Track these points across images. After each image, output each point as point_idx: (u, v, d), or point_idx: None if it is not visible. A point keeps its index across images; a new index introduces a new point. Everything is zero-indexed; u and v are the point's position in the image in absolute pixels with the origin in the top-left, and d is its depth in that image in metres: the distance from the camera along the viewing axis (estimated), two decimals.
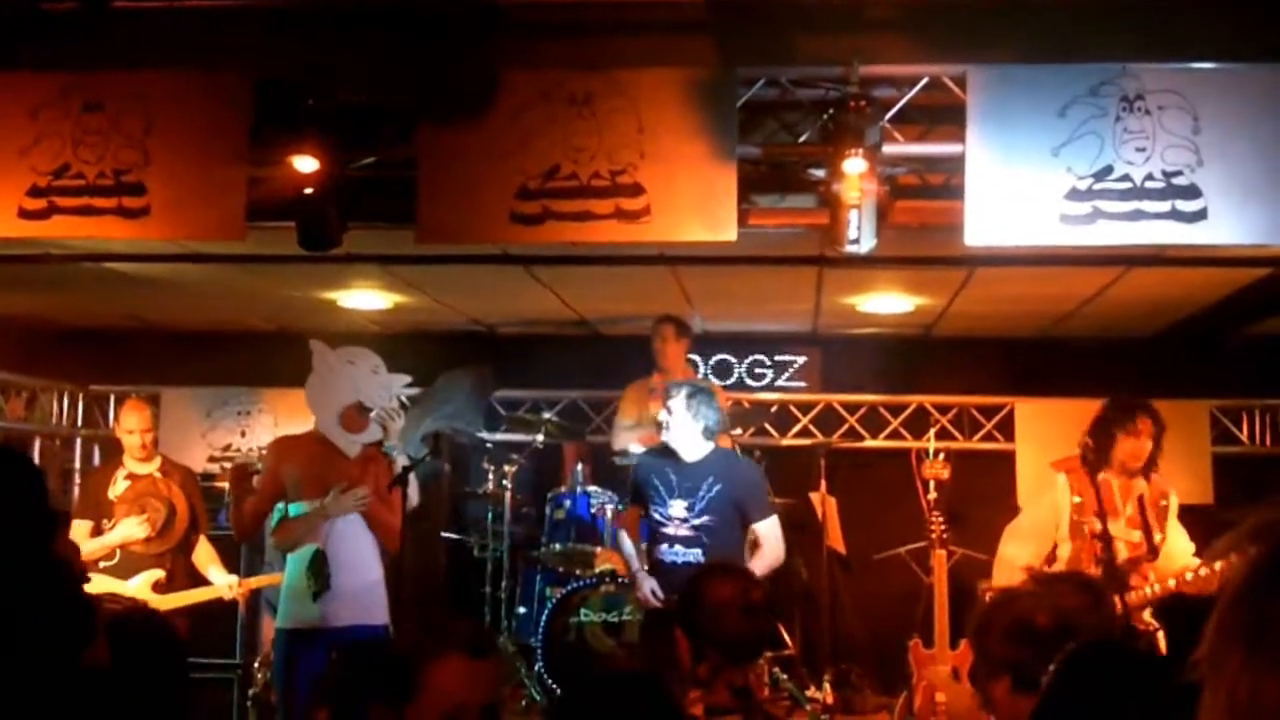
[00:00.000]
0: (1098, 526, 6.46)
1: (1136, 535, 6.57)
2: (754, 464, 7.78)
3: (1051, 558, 6.73)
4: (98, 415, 11.09)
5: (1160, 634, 6.56)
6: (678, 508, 6.95)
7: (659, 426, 7.14)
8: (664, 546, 7.02)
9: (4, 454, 2.69)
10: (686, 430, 6.95)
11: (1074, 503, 6.63)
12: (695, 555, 6.89)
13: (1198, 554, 6.68)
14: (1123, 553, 6.55)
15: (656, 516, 7.04)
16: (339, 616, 6.62)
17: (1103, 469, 6.64)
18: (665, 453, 7.08)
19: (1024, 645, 3.41)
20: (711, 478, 6.94)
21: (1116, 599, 6.34)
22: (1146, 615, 6.56)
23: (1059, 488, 6.71)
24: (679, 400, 6.95)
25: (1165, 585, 6.46)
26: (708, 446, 7.03)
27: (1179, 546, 6.72)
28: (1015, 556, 6.74)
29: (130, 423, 8.14)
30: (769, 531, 7.07)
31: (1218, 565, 6.35)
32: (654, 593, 7.10)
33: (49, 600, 2.49)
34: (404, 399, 7.29)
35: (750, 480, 7.21)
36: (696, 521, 6.92)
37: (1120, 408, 6.71)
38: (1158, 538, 6.57)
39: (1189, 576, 6.41)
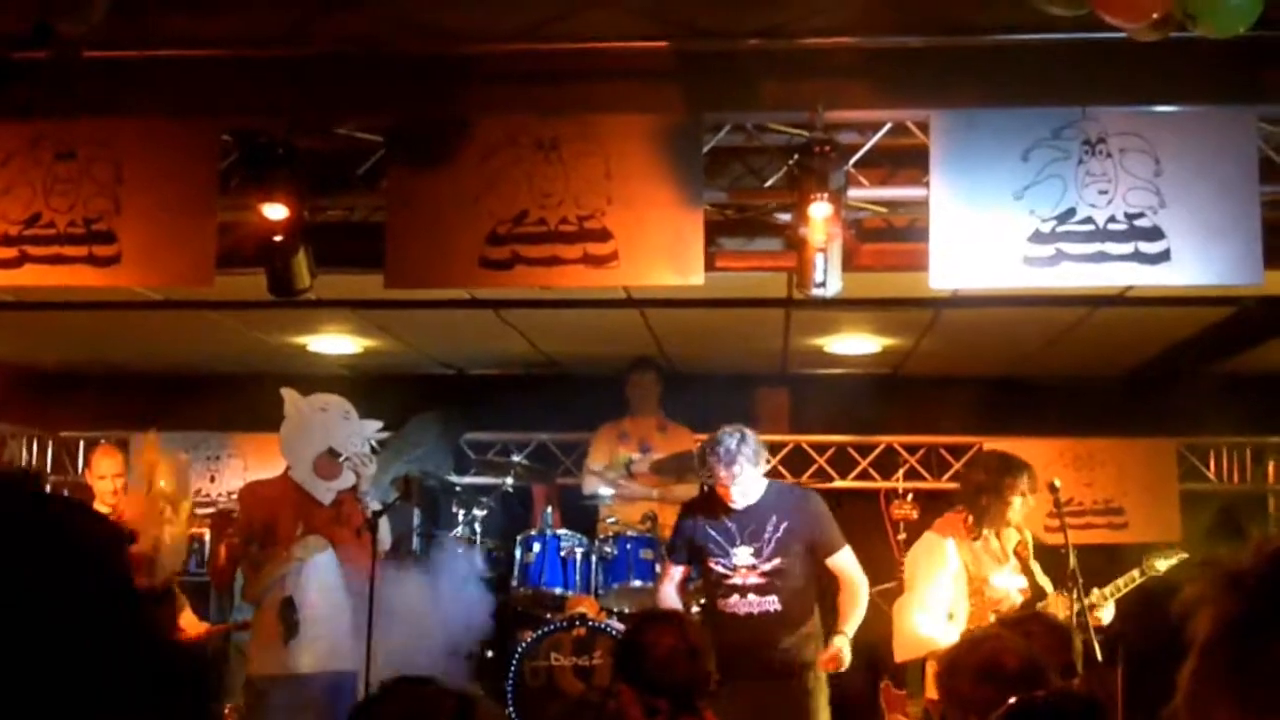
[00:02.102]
0: (989, 578, 6.66)
1: (1024, 582, 6.67)
2: (814, 493, 7.19)
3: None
4: (66, 461, 11.03)
5: None
6: (743, 555, 6.62)
7: (721, 495, 6.69)
8: (734, 599, 6.65)
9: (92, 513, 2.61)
10: (756, 479, 6.67)
11: (966, 562, 6.69)
12: (771, 603, 6.59)
13: None
14: (1017, 600, 6.69)
15: (719, 569, 6.67)
16: (308, 663, 6.62)
17: (989, 525, 6.71)
18: (711, 501, 6.78)
19: (993, 686, 3.44)
20: (775, 516, 6.64)
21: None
22: None
23: (948, 552, 6.73)
24: (749, 458, 6.56)
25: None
26: (763, 482, 6.79)
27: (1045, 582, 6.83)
28: (915, 629, 6.75)
29: (103, 468, 8.15)
30: (847, 564, 6.79)
31: (1106, 590, 6.56)
32: None
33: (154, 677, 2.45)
34: (374, 444, 7.28)
35: (816, 512, 6.83)
36: (767, 567, 6.61)
37: (1014, 470, 6.75)
38: (1039, 581, 6.69)
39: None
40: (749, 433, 6.67)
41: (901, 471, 10.53)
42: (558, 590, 8.85)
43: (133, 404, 10.76)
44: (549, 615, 8.84)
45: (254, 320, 8.95)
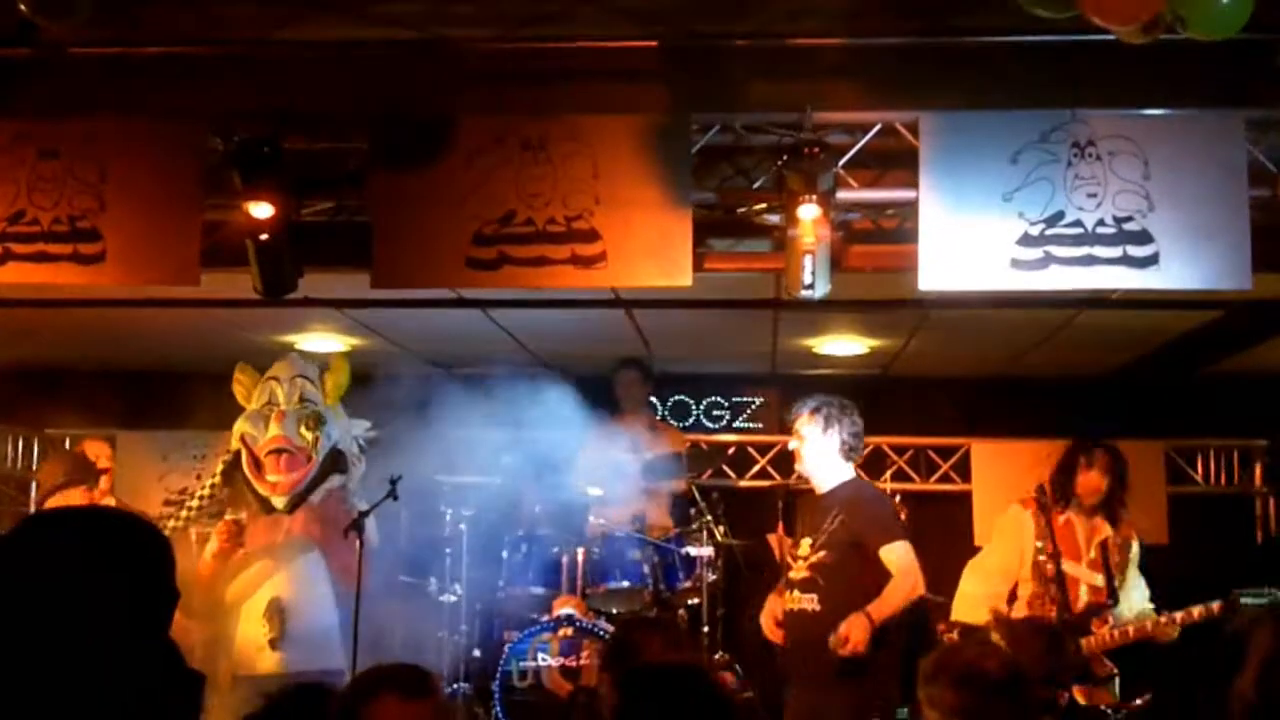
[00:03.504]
0: (1052, 569, 6.55)
1: (1099, 579, 6.63)
2: (884, 494, 6.90)
3: (1012, 596, 6.78)
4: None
5: (1117, 678, 6.59)
6: (804, 545, 6.29)
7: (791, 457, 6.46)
8: (788, 593, 6.32)
9: (141, 527, 2.65)
10: (820, 449, 6.35)
11: (1037, 544, 6.69)
12: (810, 601, 6.20)
13: (1155, 597, 6.78)
14: (1084, 596, 6.62)
15: (789, 559, 6.40)
16: (295, 663, 6.59)
17: (1064, 507, 6.73)
18: (812, 490, 6.45)
19: (974, 692, 3.43)
20: (837, 509, 6.24)
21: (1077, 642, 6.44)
22: (1104, 659, 6.60)
23: (1026, 528, 6.75)
24: (804, 417, 6.37)
25: (1126, 632, 6.52)
26: (845, 471, 6.41)
27: (1137, 595, 6.78)
28: (976, 593, 6.77)
29: (94, 451, 8.17)
30: (896, 557, 6.11)
31: (1178, 615, 6.45)
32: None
33: (166, 680, 2.49)
34: (362, 443, 7.26)
35: (874, 507, 6.37)
36: (814, 559, 6.22)
37: (1078, 444, 6.81)
38: (1118, 582, 6.62)
39: (1149, 626, 6.50)
40: (844, 406, 6.43)
41: (889, 473, 10.53)
42: (545, 590, 8.84)
43: (119, 402, 10.74)
44: (536, 615, 8.83)
45: (241, 319, 8.92)
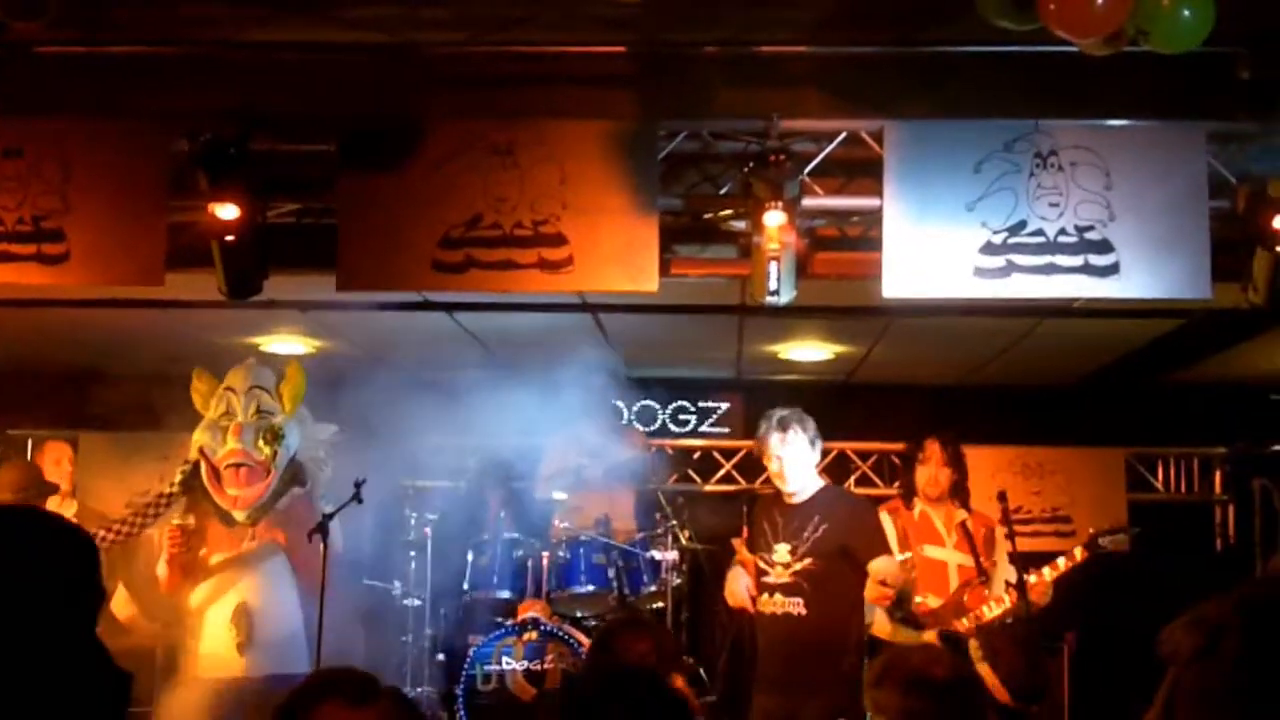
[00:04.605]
0: (926, 554, 6.84)
1: (966, 559, 6.78)
2: (869, 504, 7.01)
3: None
4: (14, 458, 10.89)
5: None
6: (781, 551, 6.41)
7: (774, 479, 6.57)
8: (764, 597, 6.43)
9: (68, 528, 2.65)
10: (807, 460, 6.52)
11: (899, 533, 6.84)
12: (795, 605, 6.33)
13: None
14: (954, 578, 6.83)
15: (761, 564, 6.47)
16: (260, 666, 6.57)
17: (913, 499, 7.06)
18: (775, 497, 6.62)
19: (921, 697, 3.45)
20: (819, 516, 6.40)
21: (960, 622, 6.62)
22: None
23: (884, 525, 6.87)
24: (796, 428, 6.52)
25: (1003, 601, 6.62)
26: (818, 479, 6.66)
27: (1011, 578, 6.88)
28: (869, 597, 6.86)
29: (56, 452, 8.13)
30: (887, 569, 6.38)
31: (1045, 571, 6.59)
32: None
33: (92, 677, 2.48)
34: (328, 447, 7.23)
35: (862, 518, 6.56)
36: (798, 566, 6.35)
37: (915, 440, 7.11)
38: (985, 563, 6.75)
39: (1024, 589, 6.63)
40: (807, 416, 6.61)
41: (853, 478, 10.57)
42: (509, 594, 8.83)
43: (81, 403, 10.67)
44: (500, 619, 8.82)
45: (205, 320, 8.89)
